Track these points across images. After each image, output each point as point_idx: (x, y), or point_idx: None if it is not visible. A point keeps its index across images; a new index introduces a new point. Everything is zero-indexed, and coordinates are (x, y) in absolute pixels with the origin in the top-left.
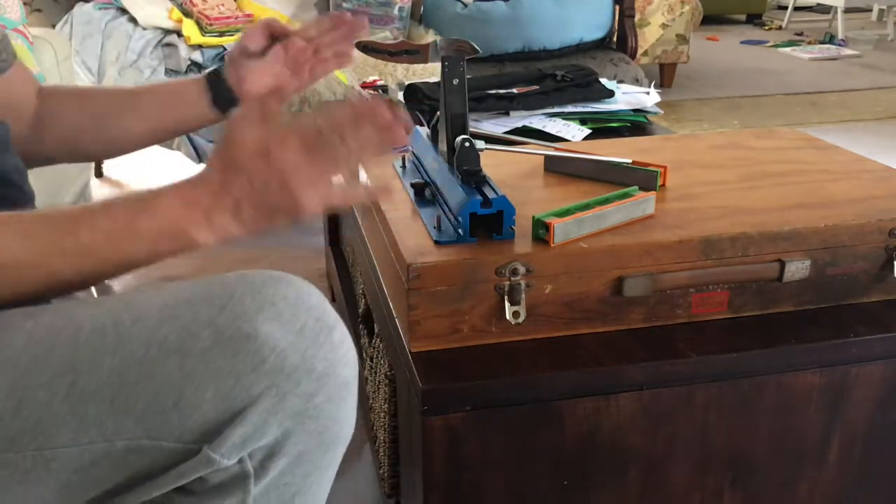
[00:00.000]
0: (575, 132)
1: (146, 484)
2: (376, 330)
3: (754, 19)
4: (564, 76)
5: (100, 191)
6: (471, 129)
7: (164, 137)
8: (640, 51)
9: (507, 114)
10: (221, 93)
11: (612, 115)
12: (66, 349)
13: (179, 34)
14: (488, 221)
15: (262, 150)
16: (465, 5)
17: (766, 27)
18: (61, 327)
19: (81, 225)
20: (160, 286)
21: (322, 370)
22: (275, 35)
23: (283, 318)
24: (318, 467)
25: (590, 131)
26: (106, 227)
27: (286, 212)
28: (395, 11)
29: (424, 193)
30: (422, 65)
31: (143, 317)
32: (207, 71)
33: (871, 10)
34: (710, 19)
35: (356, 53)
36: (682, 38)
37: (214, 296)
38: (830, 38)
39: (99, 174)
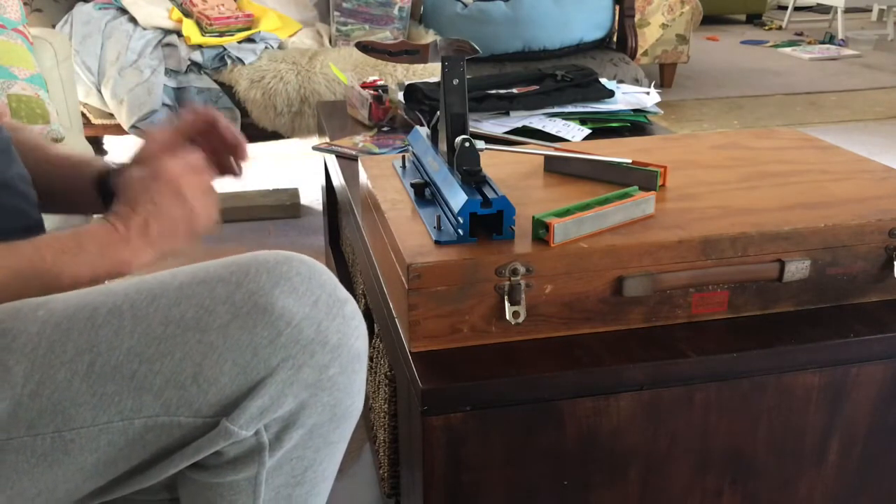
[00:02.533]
0: (575, 132)
1: (162, 463)
2: (376, 330)
3: (754, 19)
4: (564, 76)
5: None
6: (471, 129)
7: (59, 210)
8: (640, 51)
9: (507, 114)
10: (108, 196)
11: (612, 115)
12: (83, 331)
13: (179, 34)
14: (488, 221)
15: (163, 176)
16: (465, 5)
17: (766, 27)
18: (76, 311)
19: (43, 248)
20: (172, 271)
21: (335, 342)
22: (166, 140)
23: (298, 293)
24: (329, 442)
25: (590, 131)
26: (60, 247)
27: (185, 223)
28: (395, 11)
29: (424, 193)
30: (422, 65)
31: (158, 297)
32: (99, 170)
33: (871, 10)
34: (710, 19)
35: (356, 53)
36: (682, 38)
37: (230, 274)
38: (830, 38)
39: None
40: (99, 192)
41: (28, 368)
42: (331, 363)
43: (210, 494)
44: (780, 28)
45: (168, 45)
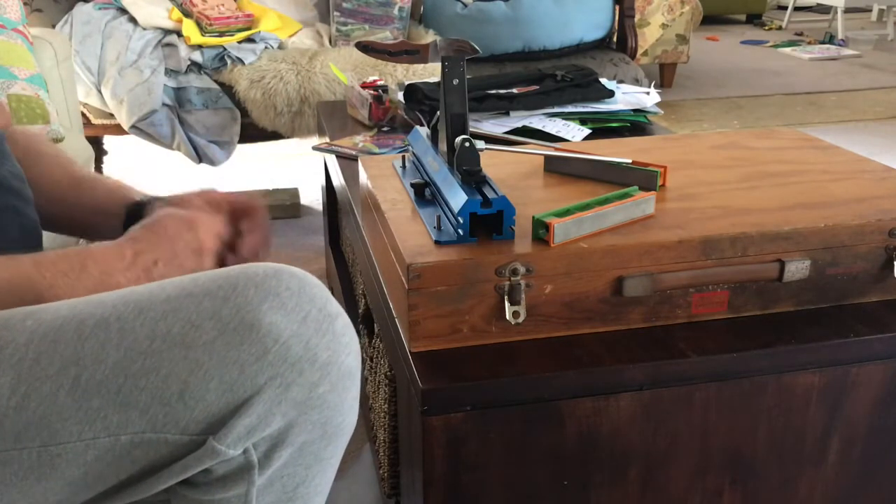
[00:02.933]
0: (575, 132)
1: (150, 479)
2: (376, 330)
3: (754, 19)
4: (564, 76)
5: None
6: (471, 129)
7: (74, 232)
8: (640, 51)
9: (507, 114)
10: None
11: (612, 115)
12: (70, 343)
13: (179, 34)
14: (488, 221)
15: (196, 230)
16: (465, 5)
17: (766, 27)
18: (64, 323)
19: (45, 266)
20: (162, 283)
21: (325, 359)
22: (212, 203)
23: (287, 308)
24: (320, 458)
25: (590, 131)
26: (63, 268)
27: (190, 271)
28: (395, 11)
29: (424, 193)
30: (422, 65)
31: (146, 310)
32: (135, 201)
33: (871, 10)
34: (710, 19)
35: (356, 53)
36: (682, 38)
37: (218, 288)
38: (830, 38)
39: (98, 172)
40: (127, 221)
41: (14, 380)
42: (320, 381)
43: None
44: (780, 28)
45: (168, 45)
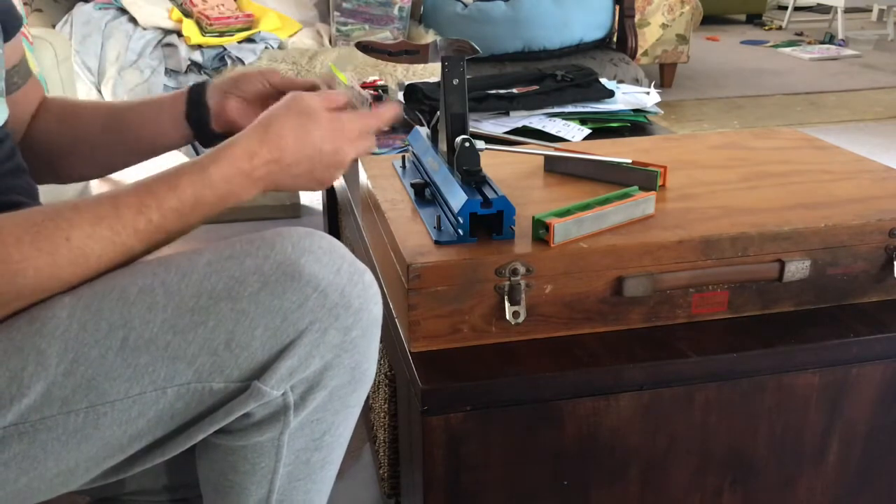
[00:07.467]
0: (575, 132)
1: (191, 430)
2: None
3: (754, 19)
4: (564, 76)
5: (100, 189)
6: (471, 129)
7: (142, 155)
8: (640, 51)
9: (507, 114)
10: (197, 109)
11: (612, 115)
12: (115, 309)
13: (179, 34)
14: (488, 221)
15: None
16: (465, 5)
17: (766, 27)
18: (104, 293)
19: (151, 207)
20: (196, 250)
21: (357, 306)
22: (274, 86)
23: (323, 262)
24: (346, 405)
25: (590, 131)
26: (173, 205)
27: (321, 183)
28: (395, 11)
29: (424, 193)
30: (422, 65)
31: (188, 273)
32: (191, 84)
33: (871, 10)
34: (710, 19)
35: (356, 53)
36: (682, 38)
37: (257, 248)
38: (830, 38)
39: None
40: (190, 117)
41: (61, 349)
42: (353, 326)
43: (233, 459)
44: (780, 28)
45: (168, 45)
